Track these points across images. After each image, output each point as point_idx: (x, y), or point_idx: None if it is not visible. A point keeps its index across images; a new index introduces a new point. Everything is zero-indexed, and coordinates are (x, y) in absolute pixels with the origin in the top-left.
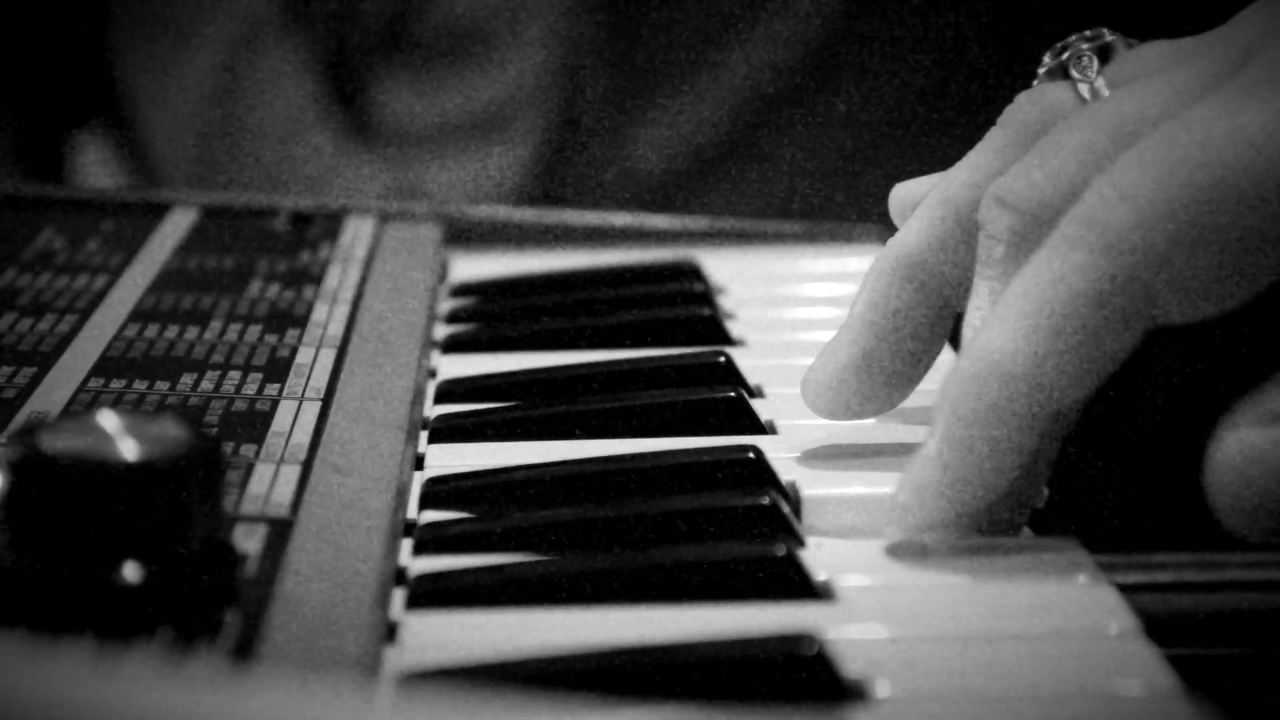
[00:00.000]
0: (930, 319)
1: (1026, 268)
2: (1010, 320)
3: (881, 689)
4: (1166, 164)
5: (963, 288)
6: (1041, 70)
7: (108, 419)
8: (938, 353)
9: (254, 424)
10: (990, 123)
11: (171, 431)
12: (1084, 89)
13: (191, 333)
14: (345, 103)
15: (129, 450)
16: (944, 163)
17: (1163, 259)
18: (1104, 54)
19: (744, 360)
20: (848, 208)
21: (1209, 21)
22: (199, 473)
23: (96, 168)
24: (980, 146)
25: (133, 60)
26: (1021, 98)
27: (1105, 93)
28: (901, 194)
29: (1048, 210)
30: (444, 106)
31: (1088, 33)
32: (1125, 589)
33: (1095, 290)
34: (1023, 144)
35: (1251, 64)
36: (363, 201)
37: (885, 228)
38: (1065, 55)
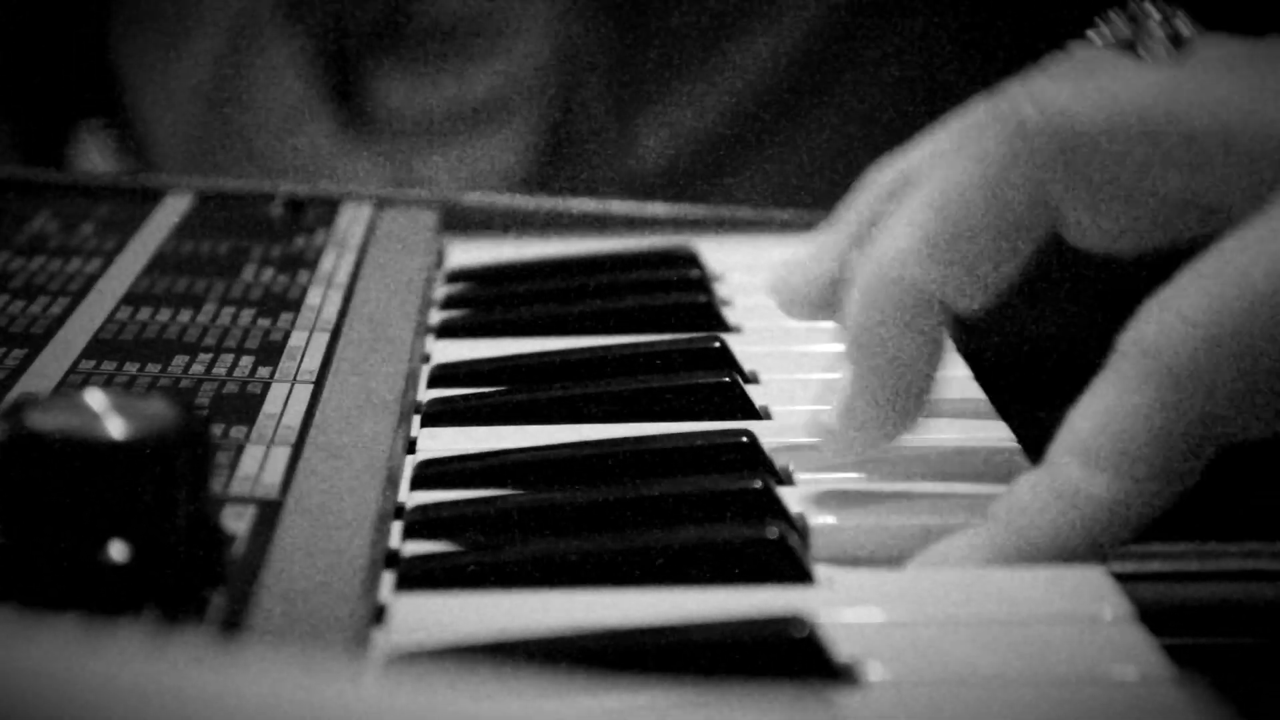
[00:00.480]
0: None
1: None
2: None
3: (873, 672)
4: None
5: None
6: (1105, 29)
7: (96, 398)
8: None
9: (245, 406)
10: None
11: (159, 410)
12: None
13: (184, 316)
14: (343, 94)
15: (117, 429)
16: None
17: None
18: (1176, 39)
19: (739, 346)
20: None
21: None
22: (186, 451)
23: (96, 159)
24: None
25: (132, 52)
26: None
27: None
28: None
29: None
30: (441, 98)
31: (1164, 9)
32: (1120, 578)
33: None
34: None
35: None
36: (359, 188)
37: None
38: (1135, 25)
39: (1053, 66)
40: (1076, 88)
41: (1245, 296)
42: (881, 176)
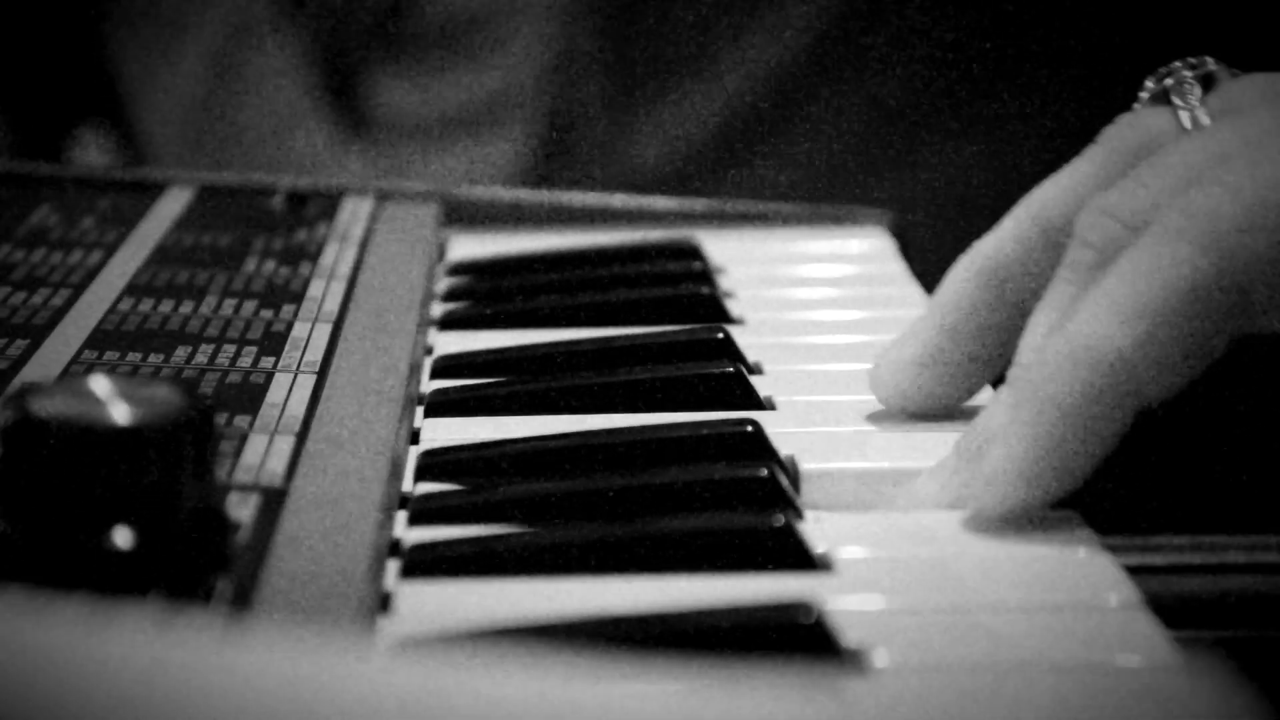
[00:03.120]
0: (1006, 324)
1: (1124, 258)
2: (1108, 307)
3: (879, 659)
4: (1276, 168)
5: (1039, 297)
6: (1143, 95)
7: (100, 384)
8: (1006, 358)
9: (248, 396)
10: (988, 113)
11: (163, 396)
12: (1185, 116)
13: (186, 307)
14: (341, 93)
15: (121, 415)
16: (940, 150)
17: (1265, 261)
18: (1206, 82)
19: (743, 338)
20: (847, 197)
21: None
22: (191, 437)
23: (93, 157)
24: (1075, 163)
25: (130, 50)
26: (1122, 120)
27: (1206, 121)
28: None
29: (1145, 223)
30: (440, 97)
31: (1191, 60)
32: (1126, 571)
33: (1197, 284)
34: (1119, 164)
35: None
36: (360, 181)
37: (883, 211)
38: (1168, 81)
39: (1173, 159)
40: (1237, 204)
41: None
42: (973, 263)
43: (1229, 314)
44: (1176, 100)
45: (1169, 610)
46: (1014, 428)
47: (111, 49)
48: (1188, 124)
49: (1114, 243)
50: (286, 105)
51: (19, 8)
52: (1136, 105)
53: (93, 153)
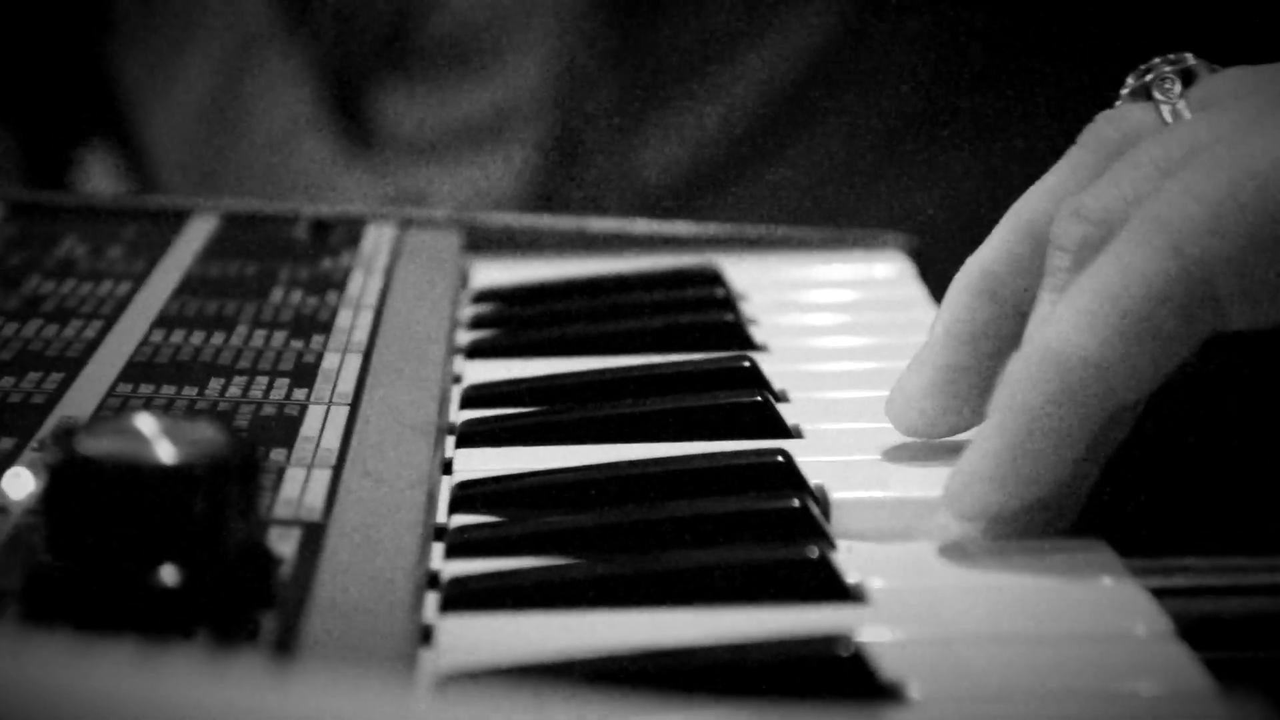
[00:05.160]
0: (1009, 333)
1: (1094, 263)
2: (1076, 311)
3: (915, 690)
4: (1240, 168)
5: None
6: (1124, 91)
7: (145, 422)
8: None
9: (283, 429)
10: (997, 128)
11: (208, 435)
12: (1166, 110)
13: (217, 338)
14: (346, 110)
15: (166, 453)
16: (953, 169)
17: (1230, 261)
18: (1186, 77)
19: (768, 365)
20: (858, 215)
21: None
22: (237, 475)
23: (100, 176)
24: (1058, 165)
25: (134, 71)
26: (1101, 118)
27: (1187, 115)
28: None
29: (1118, 220)
30: (446, 113)
31: (1171, 56)
32: (1152, 593)
33: (1163, 286)
34: (1100, 163)
35: None
36: (382, 208)
37: (902, 235)
38: (1149, 77)
39: (1142, 158)
40: (1204, 206)
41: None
42: (966, 278)
43: (1195, 315)
44: (1157, 95)
45: (1197, 632)
46: (985, 432)
47: (117, 68)
48: (1169, 118)
49: (1088, 245)
50: (292, 122)
51: (23, 31)
52: (1118, 102)
53: (100, 174)
